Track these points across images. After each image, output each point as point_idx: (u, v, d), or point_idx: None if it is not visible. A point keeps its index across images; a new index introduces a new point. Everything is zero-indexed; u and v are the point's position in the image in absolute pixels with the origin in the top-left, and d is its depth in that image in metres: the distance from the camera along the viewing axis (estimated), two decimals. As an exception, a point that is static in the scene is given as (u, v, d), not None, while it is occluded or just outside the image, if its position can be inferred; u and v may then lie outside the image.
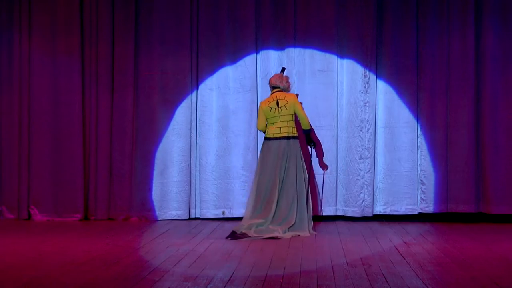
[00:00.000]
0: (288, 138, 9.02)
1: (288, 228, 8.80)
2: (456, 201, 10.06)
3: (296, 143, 9.07)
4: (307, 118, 9.19)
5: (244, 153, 10.18)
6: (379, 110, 10.20)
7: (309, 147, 9.49)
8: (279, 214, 8.87)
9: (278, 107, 9.02)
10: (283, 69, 9.45)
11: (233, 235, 8.63)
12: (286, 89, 9.22)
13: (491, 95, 10.04)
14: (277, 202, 8.89)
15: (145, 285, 5.95)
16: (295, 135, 9.09)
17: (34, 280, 6.10)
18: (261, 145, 9.28)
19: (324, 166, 10.07)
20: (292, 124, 9.08)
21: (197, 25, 10.31)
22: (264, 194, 8.95)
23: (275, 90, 9.16)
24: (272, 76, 9.28)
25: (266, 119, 9.13)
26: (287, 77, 9.30)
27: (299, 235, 8.76)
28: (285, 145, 8.99)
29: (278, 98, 9.06)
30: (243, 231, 8.64)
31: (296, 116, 9.14)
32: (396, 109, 10.17)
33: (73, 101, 10.24)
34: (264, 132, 9.19)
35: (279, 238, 8.57)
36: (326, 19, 10.17)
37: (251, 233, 8.62)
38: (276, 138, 9.01)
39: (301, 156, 9.10)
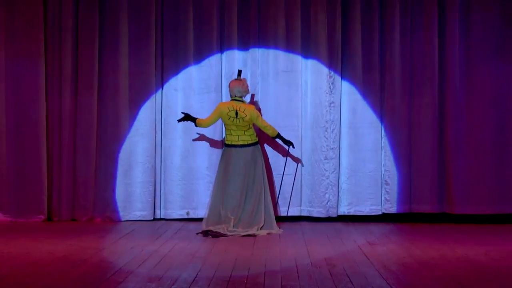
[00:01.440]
0: (248, 145, 9.21)
1: (259, 228, 9.02)
2: (420, 201, 10.13)
3: (257, 148, 9.30)
4: (271, 126, 9.40)
5: (209, 153, 10.16)
6: (343, 111, 10.23)
7: (287, 147, 9.70)
8: (247, 217, 9.03)
9: (236, 118, 9.11)
10: (239, 72, 9.47)
11: (206, 234, 8.80)
12: (246, 92, 9.30)
13: (454, 95, 10.11)
14: (243, 207, 9.02)
15: (109, 286, 5.93)
16: (255, 140, 9.29)
17: (-4, 282, 6.06)
18: (222, 151, 9.41)
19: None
20: (250, 131, 9.25)
21: (161, 24, 10.27)
22: (230, 199, 9.05)
23: (235, 98, 9.22)
24: (232, 82, 9.31)
25: (223, 123, 9.33)
26: (245, 80, 9.37)
27: (271, 233, 9.00)
28: (246, 152, 9.19)
29: (238, 108, 9.14)
30: (216, 230, 8.81)
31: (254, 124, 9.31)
32: (361, 109, 10.21)
33: (37, 102, 10.14)
34: (203, 127, 9.58)
35: (255, 235, 8.79)
36: (291, 19, 10.18)
37: (225, 231, 8.81)
38: (236, 146, 9.19)
39: (262, 160, 9.30)
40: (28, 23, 10.18)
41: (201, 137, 10.15)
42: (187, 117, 9.49)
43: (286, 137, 9.73)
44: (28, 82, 10.18)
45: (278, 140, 9.69)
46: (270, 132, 9.40)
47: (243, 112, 9.13)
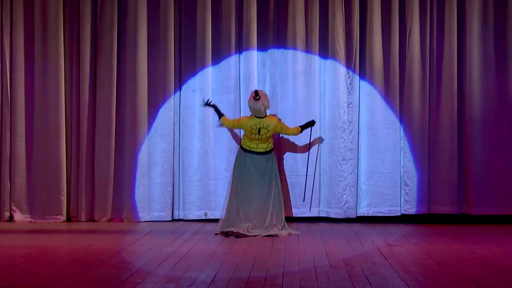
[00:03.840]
0: (265, 153, 9.31)
1: (280, 229, 9.11)
2: (439, 202, 10.10)
3: (273, 154, 9.41)
4: (295, 130, 9.52)
5: (227, 154, 10.16)
6: (362, 111, 10.21)
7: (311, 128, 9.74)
8: (267, 219, 9.13)
9: (258, 135, 9.18)
10: (256, 93, 9.24)
11: (227, 234, 8.84)
12: (265, 109, 9.21)
13: (473, 96, 10.08)
14: (262, 209, 9.10)
15: (128, 287, 5.94)
16: (272, 148, 9.41)
17: (15, 282, 6.07)
18: (238, 152, 9.43)
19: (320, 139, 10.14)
20: (269, 141, 9.35)
21: (179, 25, 10.29)
22: (248, 203, 9.08)
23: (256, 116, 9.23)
24: (249, 102, 9.19)
25: (240, 128, 9.41)
26: (263, 98, 9.15)
27: (290, 233, 9.04)
28: (263, 158, 9.29)
29: (261, 126, 9.18)
30: (237, 230, 8.86)
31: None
32: (379, 110, 10.19)
33: (56, 102, 10.19)
34: (222, 124, 9.63)
35: (276, 236, 8.83)
36: (309, 19, 10.17)
37: (245, 232, 8.86)
38: (255, 153, 9.28)
39: (276, 164, 9.45)
40: (47, 24, 10.23)
41: (219, 138, 10.15)
42: (214, 108, 9.60)
43: (303, 138, 9.85)
44: (47, 84, 10.23)
45: (304, 131, 9.71)
46: (295, 133, 9.54)
47: (266, 128, 9.19)
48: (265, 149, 9.28)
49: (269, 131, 9.21)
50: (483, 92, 10.09)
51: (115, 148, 10.24)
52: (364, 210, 10.21)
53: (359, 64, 10.17)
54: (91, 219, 10.25)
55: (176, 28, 10.28)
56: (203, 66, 10.23)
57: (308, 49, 10.20)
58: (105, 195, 10.22)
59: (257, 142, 9.25)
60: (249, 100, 9.26)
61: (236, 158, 9.44)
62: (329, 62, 10.20)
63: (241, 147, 9.35)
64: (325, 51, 10.21)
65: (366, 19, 10.18)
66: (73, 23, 10.28)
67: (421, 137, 10.13)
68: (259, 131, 9.19)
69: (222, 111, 9.85)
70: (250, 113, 9.28)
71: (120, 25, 10.28)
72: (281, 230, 9.06)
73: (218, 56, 10.24)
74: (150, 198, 10.23)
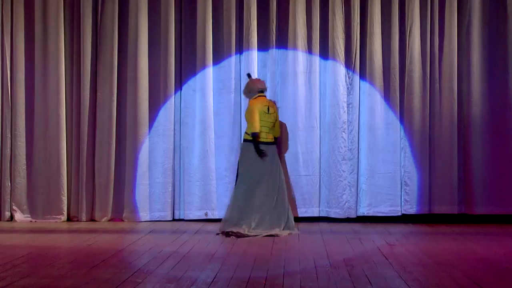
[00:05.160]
0: (272, 143, 9.28)
1: (282, 229, 9.06)
2: (439, 202, 10.11)
3: (276, 148, 9.41)
4: (279, 131, 9.56)
5: (228, 154, 10.17)
6: (362, 111, 10.21)
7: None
8: (270, 218, 9.08)
9: (267, 113, 9.17)
10: (249, 76, 9.54)
11: (228, 234, 8.82)
12: (248, 90, 9.41)
13: (474, 96, 10.09)
14: (268, 206, 9.04)
15: (128, 286, 5.94)
16: (275, 140, 9.39)
17: (15, 282, 6.07)
18: (245, 147, 9.25)
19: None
20: (273, 129, 9.30)
21: (180, 25, 10.30)
22: (257, 198, 9.04)
23: (260, 94, 9.24)
24: (252, 80, 9.42)
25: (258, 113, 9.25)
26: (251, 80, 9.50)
27: (291, 233, 9.02)
28: (273, 151, 9.27)
29: (268, 104, 9.24)
30: (238, 230, 8.83)
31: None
32: (380, 110, 10.19)
33: (56, 102, 10.20)
34: (258, 133, 9.10)
35: (277, 236, 8.81)
36: (309, 20, 10.17)
37: (246, 232, 8.82)
38: (264, 143, 9.17)
39: (279, 160, 9.40)
40: (47, 24, 10.24)
41: (220, 138, 10.15)
42: (256, 147, 9.10)
43: (303, 138, 9.95)
44: (47, 84, 10.23)
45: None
46: (276, 134, 9.43)
47: (272, 107, 9.28)
48: (271, 139, 9.25)
49: (275, 111, 9.31)
50: (483, 92, 10.10)
51: (116, 148, 10.24)
52: (364, 210, 10.21)
53: (359, 64, 10.18)
54: (92, 219, 10.25)
55: (177, 28, 10.28)
56: (203, 66, 10.24)
57: (308, 49, 10.20)
58: (105, 195, 10.22)
59: (265, 130, 9.15)
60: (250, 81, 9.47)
61: (243, 153, 9.26)
62: (329, 62, 10.20)
63: (253, 142, 9.09)
64: (325, 51, 10.21)
65: (366, 19, 10.19)
66: (74, 23, 10.28)
67: (421, 137, 10.14)
68: (268, 109, 9.20)
69: (222, 111, 9.91)
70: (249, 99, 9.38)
71: (121, 25, 10.29)
72: (283, 229, 9.03)
73: (219, 56, 10.25)
74: (150, 198, 10.23)
